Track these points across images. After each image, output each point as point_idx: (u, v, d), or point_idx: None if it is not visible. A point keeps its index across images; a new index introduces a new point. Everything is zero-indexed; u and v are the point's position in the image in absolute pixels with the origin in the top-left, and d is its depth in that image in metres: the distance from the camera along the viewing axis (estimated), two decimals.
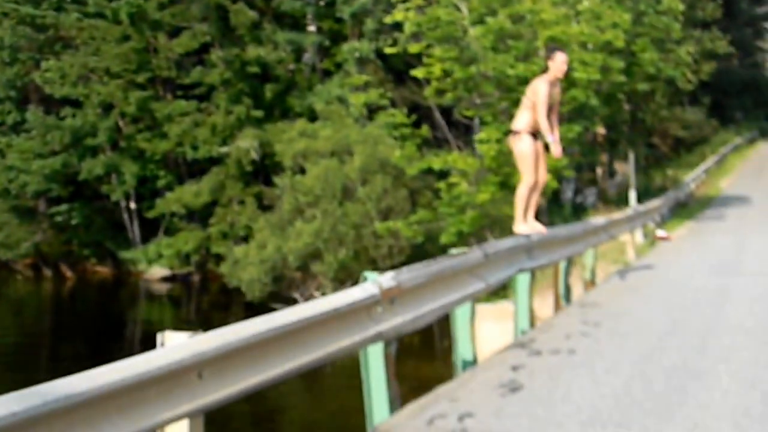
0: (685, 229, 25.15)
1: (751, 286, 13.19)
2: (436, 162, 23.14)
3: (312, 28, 41.29)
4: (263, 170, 38.55)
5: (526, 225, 11.17)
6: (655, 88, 25.80)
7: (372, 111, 35.45)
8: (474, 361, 8.91)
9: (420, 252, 29.45)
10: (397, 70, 38.15)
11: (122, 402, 4.03)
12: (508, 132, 11.34)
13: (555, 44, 12.78)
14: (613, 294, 12.71)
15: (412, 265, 7.62)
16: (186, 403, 4.48)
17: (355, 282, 25.06)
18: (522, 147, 10.92)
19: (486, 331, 14.40)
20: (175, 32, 40.48)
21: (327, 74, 41.10)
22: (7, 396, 3.45)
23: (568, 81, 21.38)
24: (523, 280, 10.52)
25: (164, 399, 4.32)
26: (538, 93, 10.75)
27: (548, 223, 23.95)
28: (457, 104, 25.78)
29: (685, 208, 30.50)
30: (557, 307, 12.06)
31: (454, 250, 9.38)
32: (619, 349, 8.80)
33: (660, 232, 22.21)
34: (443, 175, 30.21)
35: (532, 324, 10.61)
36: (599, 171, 34.46)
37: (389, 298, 6.82)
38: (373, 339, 6.62)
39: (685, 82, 27.00)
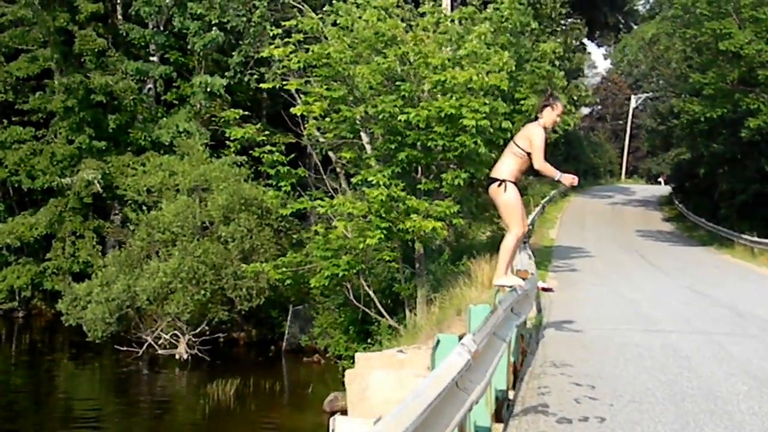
0: (551, 279, 25.20)
1: (696, 345, 12.99)
2: (322, 205, 22.39)
3: (155, 58, 39.95)
4: (101, 204, 36.87)
5: (508, 278, 10.63)
6: None
7: (218, 146, 34.76)
8: None
9: (279, 295, 28.72)
10: (243, 105, 37.38)
11: None
12: (491, 180, 10.70)
13: (552, 92, 12.20)
14: (568, 351, 12.25)
15: (477, 327, 7.02)
16: None
17: (210, 324, 24.27)
18: (508, 197, 10.38)
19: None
20: (13, 55, 38.46)
21: (169, 107, 39.80)
22: None
23: (456, 127, 21.21)
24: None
25: None
26: (536, 140, 10.26)
27: (426, 271, 23.75)
28: (331, 145, 25.20)
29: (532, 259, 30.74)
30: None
31: (474, 306, 8.72)
32: (644, 415, 8.41)
33: (541, 283, 22.05)
34: (304, 216, 29.65)
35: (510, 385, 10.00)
36: None
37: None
38: (468, 409, 5.99)
39: (561, 130, 27.18)
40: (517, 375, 10.83)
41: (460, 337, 6.64)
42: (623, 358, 11.75)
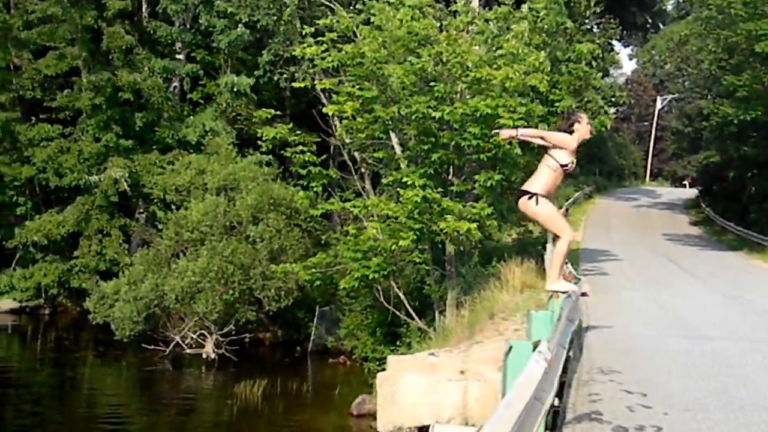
0: (584, 284, 24.85)
1: (741, 352, 12.74)
2: (356, 205, 22.27)
3: (181, 56, 39.93)
4: (126, 202, 36.89)
5: (561, 283, 10.39)
6: None
7: (244, 145, 34.71)
8: None
9: (306, 296, 28.55)
10: (269, 104, 37.33)
11: None
12: (521, 193, 10.42)
13: (571, 111, 11.95)
14: (613, 358, 12.00)
15: (550, 335, 6.85)
16: None
17: (236, 324, 24.10)
18: (544, 209, 10.12)
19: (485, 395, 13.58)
20: (41, 52, 38.53)
21: (195, 105, 39.82)
22: None
23: (491, 127, 20.94)
24: None
25: None
26: (559, 137, 10.05)
27: (456, 273, 23.55)
28: (358, 145, 25.01)
29: None
30: None
31: (535, 312, 8.52)
32: (701, 425, 8.24)
33: None
34: (327, 216, 29.51)
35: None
36: None
37: None
38: (543, 418, 5.82)
39: (597, 131, 26.92)
40: (562, 381, 10.64)
41: (534, 345, 6.49)
42: (670, 366, 11.54)
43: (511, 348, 6.57)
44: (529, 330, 8.67)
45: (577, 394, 9.73)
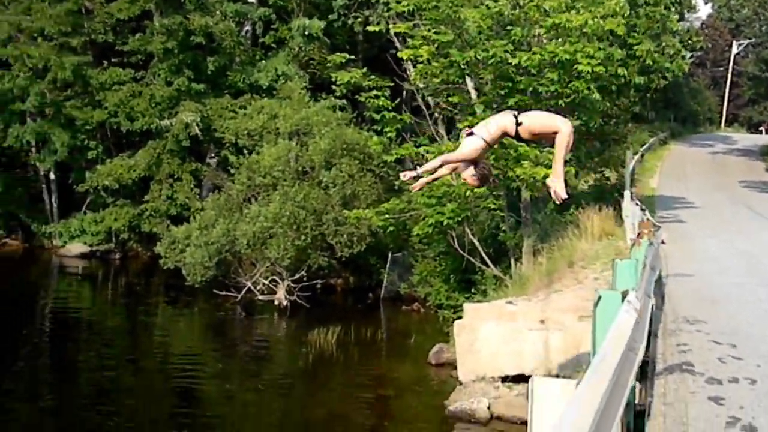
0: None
1: None
2: (430, 150, 22.01)
3: (253, 0, 39.72)
4: (197, 147, 36.94)
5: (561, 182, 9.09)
6: (650, 81, 25.09)
7: (316, 90, 34.48)
8: None
9: (378, 242, 28.35)
10: (342, 48, 37.07)
11: None
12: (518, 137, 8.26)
13: None
14: (696, 307, 11.75)
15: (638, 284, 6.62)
16: None
17: (309, 269, 23.68)
18: (530, 120, 7.90)
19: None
20: None
21: (267, 50, 39.64)
22: None
23: (569, 73, 20.59)
24: None
25: None
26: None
27: (532, 220, 23.24)
28: (432, 90, 24.72)
29: None
30: None
31: (620, 261, 8.25)
32: None
33: None
34: (400, 161, 29.25)
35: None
36: None
37: None
38: (637, 369, 5.64)
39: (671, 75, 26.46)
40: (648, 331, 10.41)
41: (623, 295, 6.27)
42: (754, 315, 11.40)
43: (600, 298, 6.35)
44: (613, 279, 8.42)
45: (665, 344, 9.54)
